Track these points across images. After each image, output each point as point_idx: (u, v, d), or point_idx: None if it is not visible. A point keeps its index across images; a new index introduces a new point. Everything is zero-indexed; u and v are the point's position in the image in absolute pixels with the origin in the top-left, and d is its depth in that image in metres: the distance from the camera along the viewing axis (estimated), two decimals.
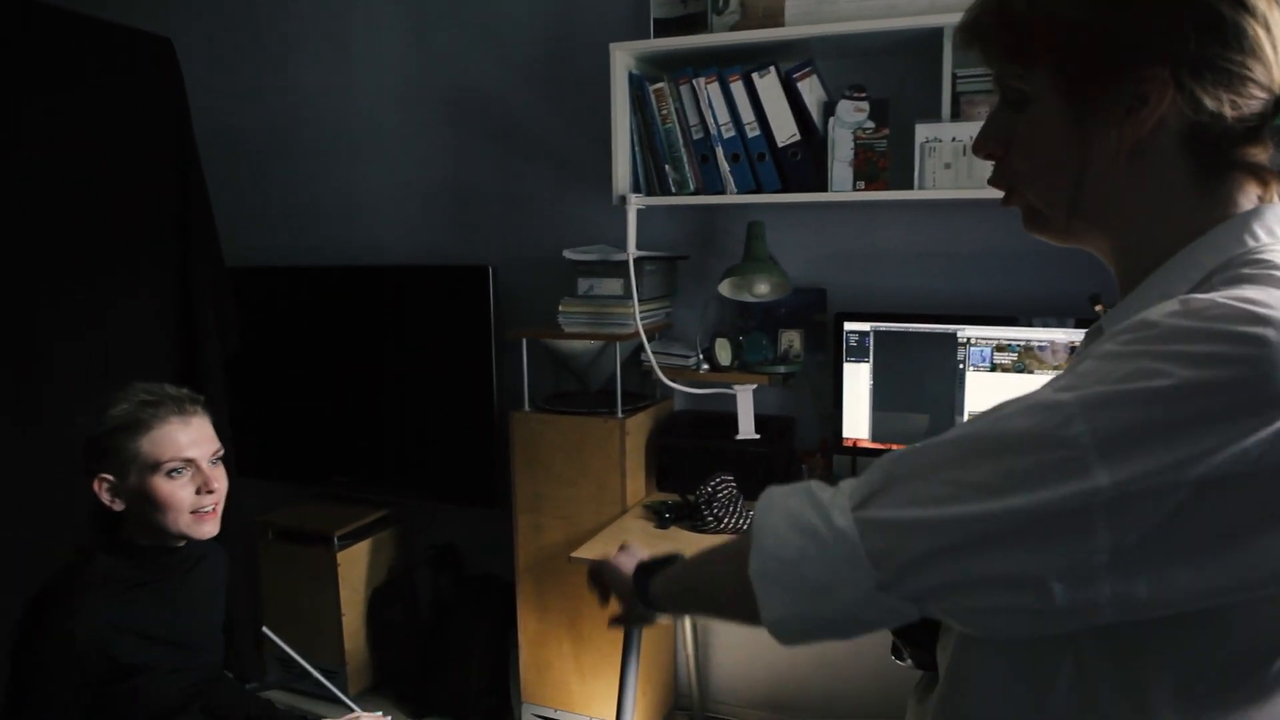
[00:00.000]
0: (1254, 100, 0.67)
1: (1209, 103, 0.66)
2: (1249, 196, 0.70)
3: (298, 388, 2.90)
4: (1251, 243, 0.67)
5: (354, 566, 2.80)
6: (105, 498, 1.44)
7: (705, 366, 2.35)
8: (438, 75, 2.77)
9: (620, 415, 2.30)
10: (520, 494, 2.40)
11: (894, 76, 2.19)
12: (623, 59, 2.22)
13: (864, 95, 2.04)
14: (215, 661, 1.62)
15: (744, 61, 2.14)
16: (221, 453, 1.53)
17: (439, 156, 2.80)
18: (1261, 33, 0.65)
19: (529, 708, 2.50)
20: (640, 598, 1.05)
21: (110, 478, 1.43)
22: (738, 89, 2.13)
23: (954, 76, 1.99)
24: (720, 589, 0.84)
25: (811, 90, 2.11)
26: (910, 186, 2.00)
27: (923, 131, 1.97)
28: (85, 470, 1.46)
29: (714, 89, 2.14)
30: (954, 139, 1.95)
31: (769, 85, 2.11)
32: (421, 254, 2.86)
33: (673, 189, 2.23)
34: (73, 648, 1.36)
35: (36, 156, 2.09)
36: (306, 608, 2.79)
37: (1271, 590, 0.60)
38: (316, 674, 2.73)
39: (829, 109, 2.08)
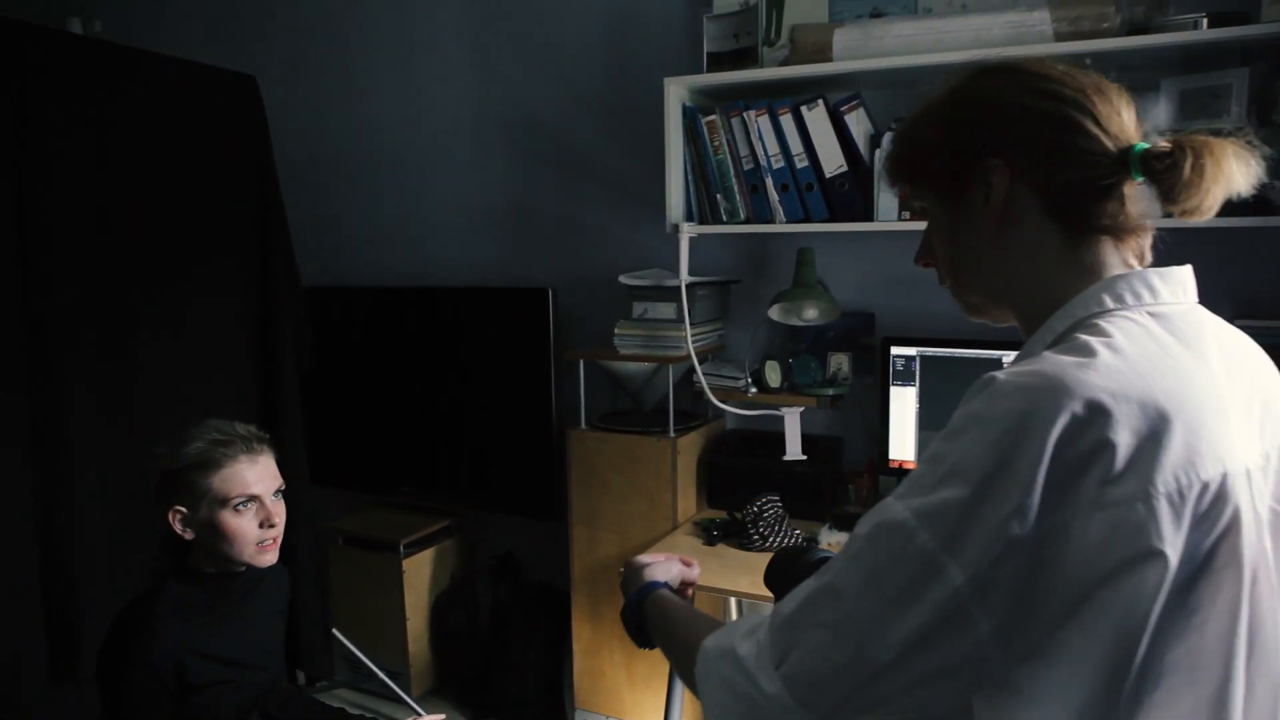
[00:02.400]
0: (1092, 167, 0.78)
1: (1045, 176, 0.79)
2: (1119, 257, 0.82)
3: (368, 402, 3.05)
4: (1110, 304, 0.78)
5: (419, 573, 2.94)
6: (177, 528, 1.55)
7: (754, 389, 2.42)
8: (501, 105, 2.90)
9: (672, 434, 2.39)
10: (576, 508, 2.50)
11: None
12: (676, 92, 2.31)
13: None
14: (274, 677, 1.72)
15: (793, 94, 2.22)
16: (283, 487, 1.64)
17: (502, 183, 2.93)
18: (1075, 113, 0.79)
19: (582, 714, 2.60)
20: (630, 630, 1.13)
21: (183, 510, 1.55)
22: (787, 121, 2.20)
23: None
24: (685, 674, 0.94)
25: (858, 122, 2.18)
26: None
27: None
28: (159, 501, 1.57)
29: (764, 121, 2.22)
30: None
31: (817, 118, 2.18)
32: (485, 276, 2.99)
33: (724, 218, 2.31)
34: (155, 673, 1.48)
35: (138, 182, 2.27)
36: (373, 611, 2.93)
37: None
38: (382, 675, 2.87)
39: (875, 141, 2.14)
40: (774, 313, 2.39)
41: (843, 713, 0.75)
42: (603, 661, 2.54)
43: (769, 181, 2.23)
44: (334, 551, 2.98)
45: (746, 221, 2.29)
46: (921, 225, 2.08)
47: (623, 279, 2.47)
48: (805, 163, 2.20)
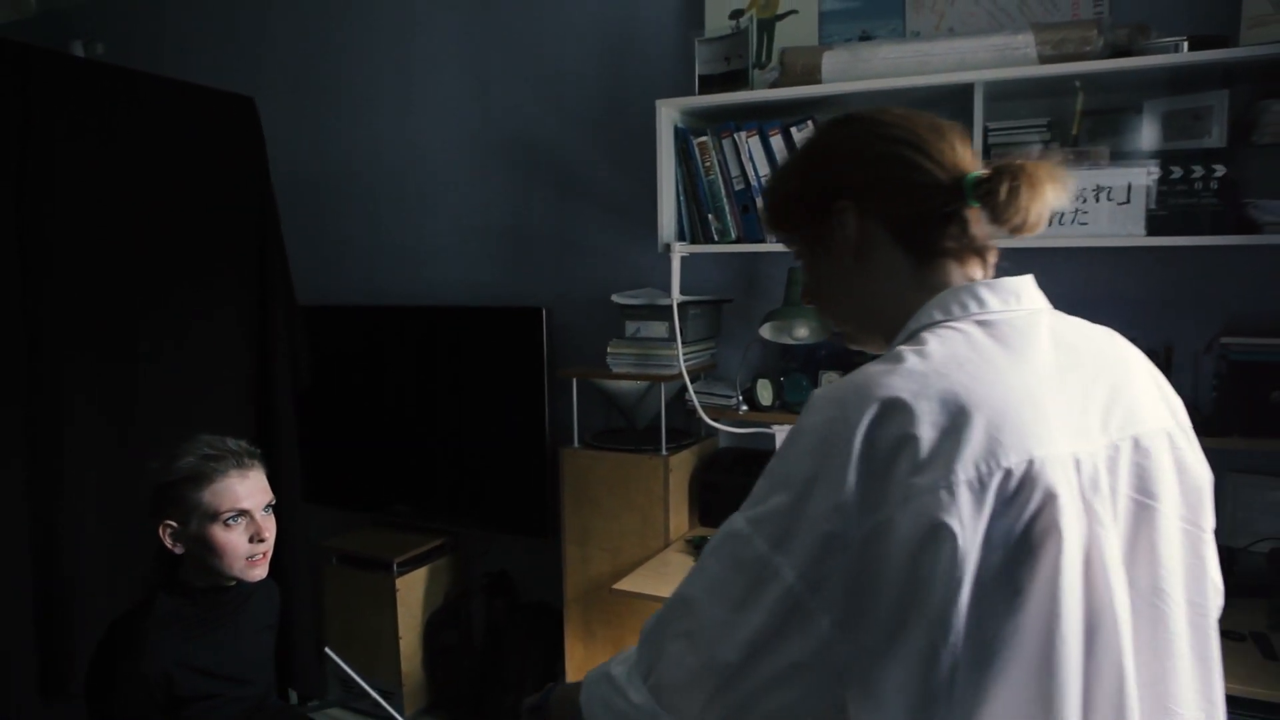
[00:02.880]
0: (930, 198, 0.86)
1: (890, 210, 0.88)
2: (963, 274, 0.88)
3: (362, 421, 3.06)
4: (939, 316, 0.85)
5: (412, 591, 2.94)
6: (168, 542, 1.56)
7: (746, 407, 2.44)
8: (497, 127, 2.94)
9: (664, 453, 2.40)
10: (569, 527, 2.51)
11: None
12: (668, 113, 2.34)
13: None
14: (263, 691, 1.73)
15: (783, 116, 2.25)
16: (274, 502, 1.65)
17: (497, 204, 2.96)
18: (910, 152, 0.87)
19: None
20: None
21: (174, 524, 1.56)
22: (777, 142, 2.23)
23: (985, 129, 2.07)
24: None
25: None
26: None
27: None
28: (151, 515, 1.58)
29: (754, 142, 2.25)
30: None
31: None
32: (479, 295, 3.01)
33: (715, 237, 2.33)
34: (145, 685, 1.49)
35: (138, 201, 2.29)
36: (366, 630, 2.93)
37: None
38: (374, 694, 2.87)
39: None
40: (765, 331, 2.41)
41: (710, 718, 0.80)
42: None
43: (760, 202, 2.26)
44: (327, 570, 2.98)
45: (738, 241, 2.32)
46: None
47: (615, 298, 2.50)
48: None
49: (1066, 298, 2.23)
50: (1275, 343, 1.95)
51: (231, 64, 3.35)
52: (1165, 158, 1.94)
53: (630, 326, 2.50)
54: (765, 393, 2.43)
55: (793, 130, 2.21)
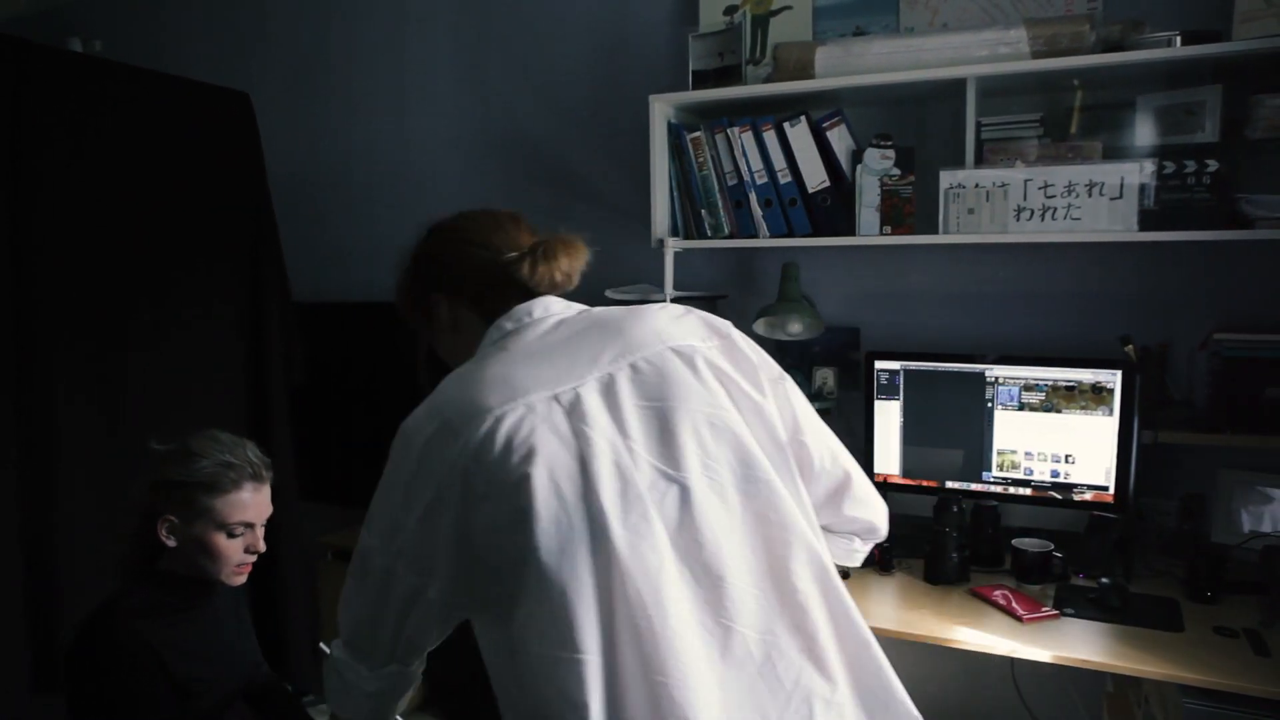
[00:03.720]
0: (490, 283, 1.18)
1: (463, 295, 1.20)
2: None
3: (357, 417, 3.06)
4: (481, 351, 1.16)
5: None
6: (162, 534, 1.54)
7: None
8: (491, 123, 2.94)
9: None
10: None
11: (919, 125, 2.27)
12: (662, 109, 2.34)
13: (890, 143, 2.13)
14: (252, 669, 1.72)
15: (776, 111, 2.25)
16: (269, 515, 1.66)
17: (490, 199, 2.91)
18: (472, 247, 1.21)
19: None
20: None
21: (174, 520, 1.55)
22: (770, 137, 2.23)
23: (978, 125, 2.07)
24: None
25: (840, 139, 2.20)
26: (935, 231, 2.08)
27: (946, 178, 2.05)
28: (150, 504, 1.56)
29: (748, 137, 2.25)
30: (977, 185, 2.02)
31: (800, 134, 2.21)
32: None
33: (708, 232, 2.33)
34: (144, 668, 1.48)
35: (132, 195, 2.30)
36: None
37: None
38: None
39: (857, 156, 2.17)
40: (759, 327, 2.41)
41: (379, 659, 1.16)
42: None
43: (753, 197, 2.26)
44: (322, 566, 2.98)
45: (731, 236, 2.31)
46: (903, 239, 2.11)
47: (609, 294, 2.49)
48: (788, 178, 2.23)
49: (1057, 294, 2.24)
50: (1268, 339, 1.95)
51: (228, 61, 3.35)
52: (1158, 153, 1.94)
53: None
54: None
55: (785, 126, 2.21)
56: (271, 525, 1.66)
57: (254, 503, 1.59)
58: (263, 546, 1.62)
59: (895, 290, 2.43)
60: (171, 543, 1.56)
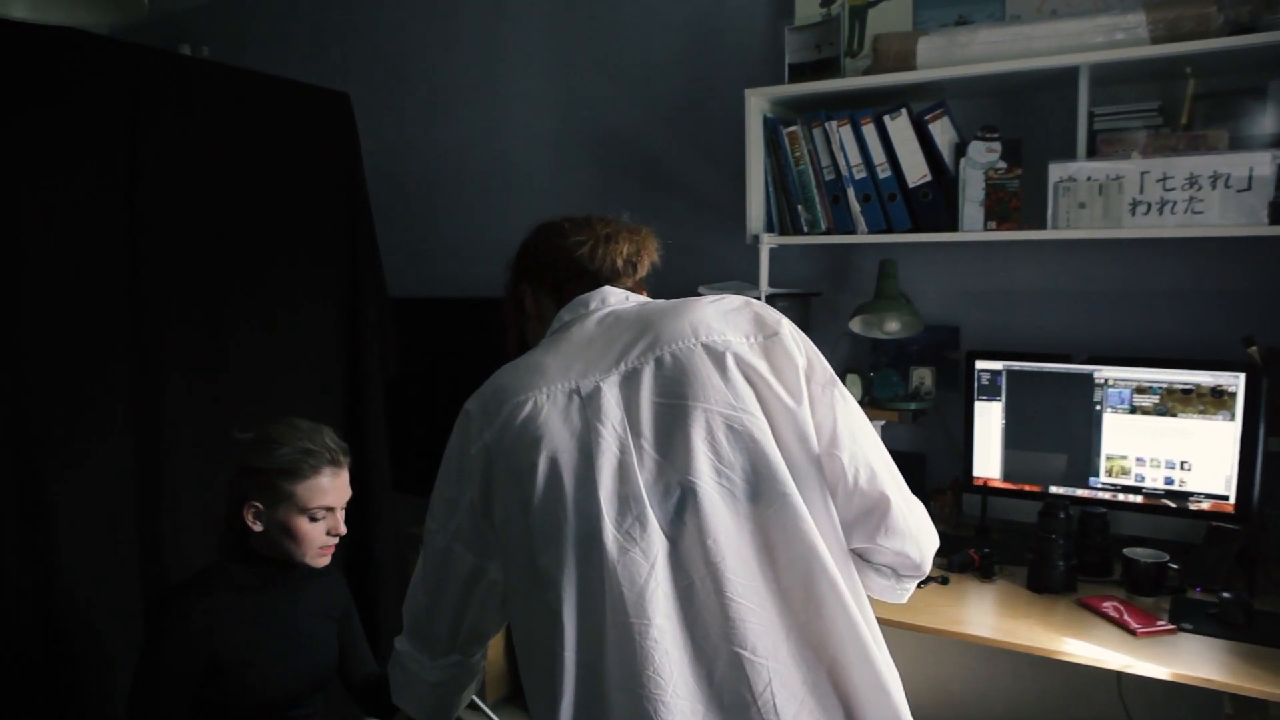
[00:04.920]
0: (566, 274, 1.21)
1: (545, 285, 1.24)
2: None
3: (447, 410, 3.10)
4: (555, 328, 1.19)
5: None
6: (249, 519, 1.60)
7: None
8: (584, 119, 2.94)
9: None
10: None
11: (1027, 116, 2.19)
12: (757, 103, 2.31)
13: (996, 135, 2.05)
14: (329, 663, 1.74)
15: (876, 104, 2.19)
16: (349, 497, 1.69)
17: (583, 195, 2.96)
18: (547, 246, 1.26)
19: None
20: None
21: (259, 505, 1.60)
22: (869, 131, 2.17)
23: (1090, 115, 1.98)
24: None
25: (943, 131, 2.14)
26: (1044, 226, 2.00)
27: (1056, 171, 1.97)
28: (237, 490, 1.62)
29: (846, 131, 2.20)
30: (1089, 178, 1.93)
31: (900, 127, 2.15)
32: None
33: (805, 228, 2.29)
34: (190, 641, 1.53)
35: (238, 191, 2.37)
36: None
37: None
38: None
39: (960, 149, 2.10)
40: (855, 325, 2.36)
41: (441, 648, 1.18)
42: None
43: (850, 192, 2.21)
44: (412, 557, 3.02)
45: (828, 232, 2.27)
46: (1009, 235, 2.04)
47: (702, 290, 2.47)
48: (888, 172, 2.17)
49: (1171, 292, 2.13)
50: None
51: (324, 61, 3.44)
52: None
53: None
54: (854, 388, 2.38)
55: (885, 119, 2.15)
56: (365, 516, 1.69)
57: (333, 487, 1.62)
58: (343, 529, 1.65)
59: (997, 288, 2.35)
60: (258, 527, 1.61)
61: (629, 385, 1.03)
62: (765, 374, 1.04)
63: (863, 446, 1.07)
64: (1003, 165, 2.04)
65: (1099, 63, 1.92)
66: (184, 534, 2.21)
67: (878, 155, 2.18)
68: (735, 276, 2.61)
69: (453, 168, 3.25)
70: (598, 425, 0.99)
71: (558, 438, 0.99)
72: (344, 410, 2.68)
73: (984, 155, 2.06)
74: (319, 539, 1.62)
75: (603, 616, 0.92)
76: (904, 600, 1.20)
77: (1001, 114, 2.23)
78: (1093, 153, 1.97)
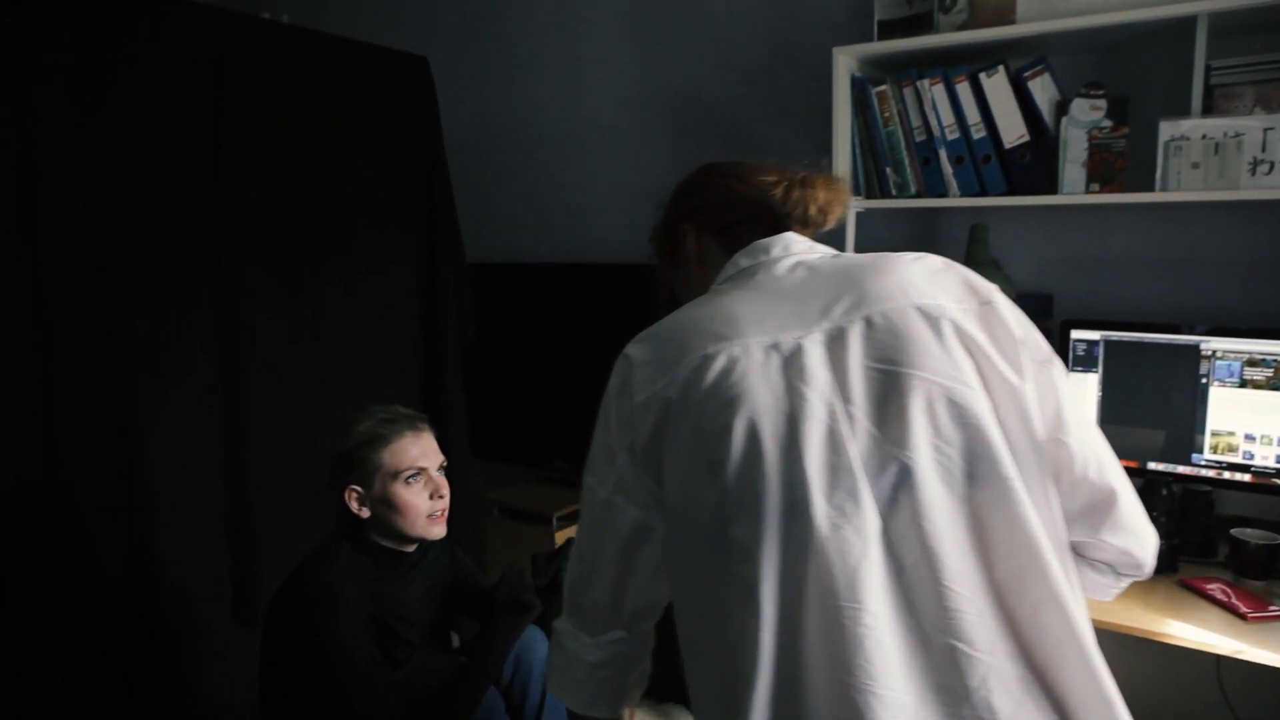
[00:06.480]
0: (740, 216, 1.13)
1: (712, 226, 1.17)
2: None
3: (526, 377, 3.11)
4: (718, 284, 1.11)
5: None
6: (354, 506, 1.63)
7: None
8: (661, 82, 2.89)
9: None
10: None
11: (1136, 71, 2.07)
12: (845, 62, 2.23)
13: (1101, 93, 1.95)
14: (448, 654, 1.78)
15: (970, 61, 2.10)
16: (445, 464, 1.71)
17: (662, 160, 2.92)
18: (719, 185, 1.18)
19: None
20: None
21: (359, 488, 1.63)
22: (963, 90, 2.08)
23: (1208, 68, 1.86)
24: None
25: (1043, 89, 2.04)
26: (1151, 188, 1.89)
27: (1167, 129, 1.86)
28: (334, 484, 1.65)
29: (939, 90, 2.11)
30: (1204, 136, 1.82)
31: (997, 85, 2.05)
32: (643, 252, 2.97)
33: (894, 191, 2.21)
34: (363, 629, 1.55)
35: (320, 155, 2.39)
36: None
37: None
38: None
39: (1062, 108, 2.00)
40: None
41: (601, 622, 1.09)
42: None
43: (943, 153, 2.12)
44: (490, 522, 3.06)
45: (918, 195, 2.19)
46: (1114, 198, 1.94)
47: None
48: (983, 133, 2.08)
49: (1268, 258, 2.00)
50: None
51: (401, 25, 3.43)
52: None
53: None
54: None
55: (981, 76, 2.06)
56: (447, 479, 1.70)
57: (418, 448, 1.65)
58: (446, 489, 1.67)
59: (1095, 254, 2.24)
60: (365, 513, 1.63)
61: (836, 347, 0.93)
62: (984, 345, 0.93)
63: (1089, 433, 0.98)
64: (1108, 124, 1.94)
65: (1219, 10, 1.80)
66: (272, 505, 2.25)
67: (972, 115, 2.09)
68: (821, 241, 2.54)
69: (530, 132, 3.23)
70: (803, 389, 0.90)
71: (758, 399, 0.89)
72: (422, 374, 2.70)
73: (1088, 114, 1.95)
74: (423, 505, 1.64)
75: (804, 595, 0.84)
76: (1111, 598, 1.12)
77: (1106, 70, 2.11)
78: (1209, 110, 1.86)
